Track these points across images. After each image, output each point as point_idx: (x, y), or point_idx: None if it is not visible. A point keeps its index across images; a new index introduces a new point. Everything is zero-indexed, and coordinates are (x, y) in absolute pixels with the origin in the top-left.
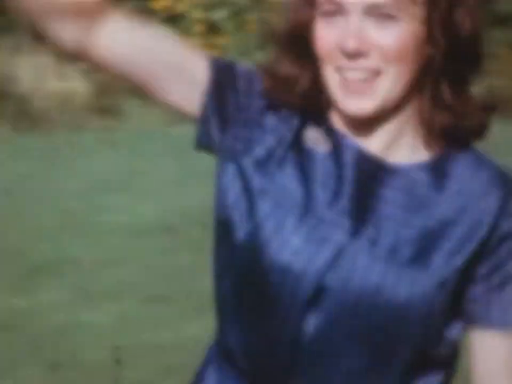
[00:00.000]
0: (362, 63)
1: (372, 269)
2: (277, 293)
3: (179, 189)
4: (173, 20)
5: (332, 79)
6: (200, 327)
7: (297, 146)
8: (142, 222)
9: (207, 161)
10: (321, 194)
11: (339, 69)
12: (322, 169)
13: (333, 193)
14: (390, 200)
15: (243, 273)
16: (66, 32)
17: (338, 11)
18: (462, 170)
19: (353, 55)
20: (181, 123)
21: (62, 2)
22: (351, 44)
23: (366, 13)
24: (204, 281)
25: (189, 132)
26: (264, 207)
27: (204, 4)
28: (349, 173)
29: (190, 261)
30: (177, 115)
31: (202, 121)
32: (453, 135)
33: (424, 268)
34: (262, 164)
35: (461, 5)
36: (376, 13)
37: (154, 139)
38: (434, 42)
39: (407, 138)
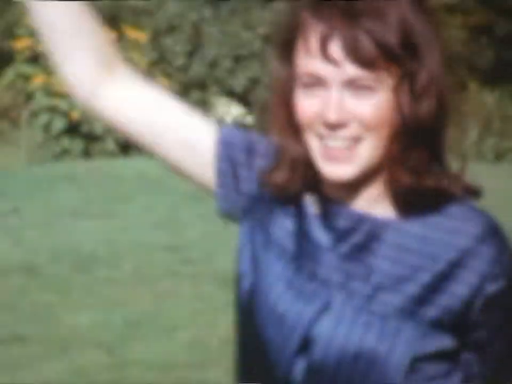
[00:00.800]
0: (342, 132)
1: (356, 322)
2: (271, 338)
3: (43, 230)
4: (34, 59)
5: (313, 146)
6: (61, 367)
7: (294, 202)
8: (2, 262)
9: (73, 201)
10: (315, 250)
11: (320, 137)
12: (316, 228)
13: (327, 249)
14: (386, 255)
15: (246, 318)
16: (85, 69)
17: (318, 83)
18: (451, 223)
19: (334, 126)
20: (43, 162)
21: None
22: (333, 116)
23: (346, 85)
24: (65, 321)
25: (52, 170)
26: (265, 260)
27: None
28: (341, 234)
29: (52, 300)
30: (37, 154)
31: (219, 186)
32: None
33: (410, 321)
34: (263, 220)
35: (426, 87)
36: (355, 85)
37: (17, 179)
38: (401, 110)
39: (382, 196)
